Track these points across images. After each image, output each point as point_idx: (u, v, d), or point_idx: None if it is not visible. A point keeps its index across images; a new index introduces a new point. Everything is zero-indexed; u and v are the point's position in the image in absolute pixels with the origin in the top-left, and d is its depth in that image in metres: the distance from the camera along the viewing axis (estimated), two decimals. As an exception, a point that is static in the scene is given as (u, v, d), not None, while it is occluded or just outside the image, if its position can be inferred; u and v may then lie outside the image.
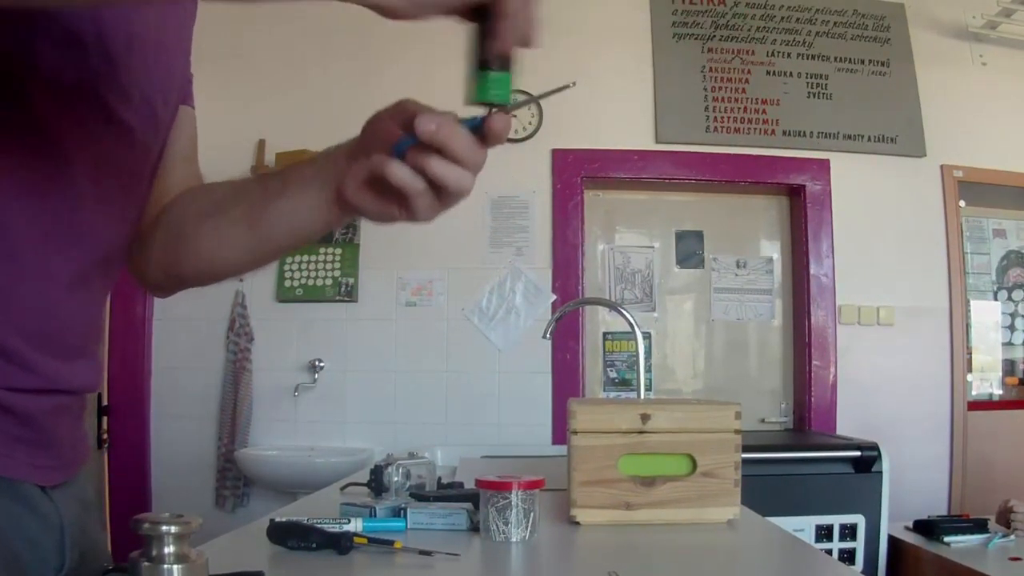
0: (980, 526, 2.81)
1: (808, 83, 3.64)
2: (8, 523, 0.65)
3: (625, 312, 2.21)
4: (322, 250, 3.53)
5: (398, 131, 0.68)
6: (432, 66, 3.40)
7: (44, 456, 0.69)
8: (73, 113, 0.67)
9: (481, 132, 0.67)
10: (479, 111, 0.68)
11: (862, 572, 2.79)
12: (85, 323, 0.74)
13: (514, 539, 1.06)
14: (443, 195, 0.67)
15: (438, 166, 0.65)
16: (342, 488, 1.54)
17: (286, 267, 3.53)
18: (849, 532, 2.86)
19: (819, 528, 2.84)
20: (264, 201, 0.78)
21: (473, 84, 0.66)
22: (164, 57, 0.78)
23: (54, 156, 0.67)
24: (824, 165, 3.61)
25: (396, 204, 0.68)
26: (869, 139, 3.62)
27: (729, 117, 3.58)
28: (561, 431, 3.34)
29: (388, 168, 0.65)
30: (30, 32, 0.62)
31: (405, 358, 3.51)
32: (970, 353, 3.67)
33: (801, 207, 3.62)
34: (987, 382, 3.75)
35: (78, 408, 0.75)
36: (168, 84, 0.81)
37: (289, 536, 1.01)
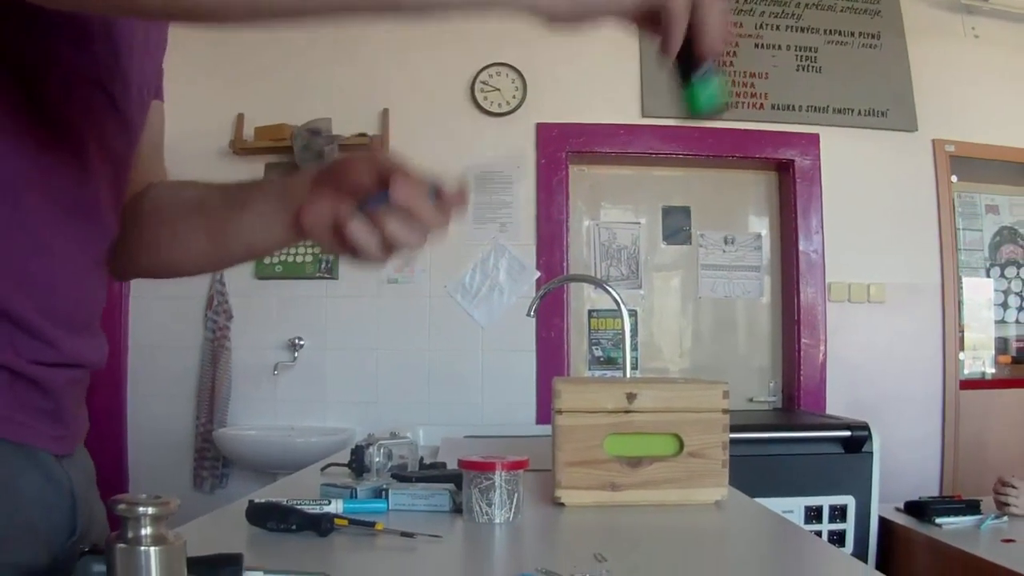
0: (972, 507, 2.77)
1: (797, 56, 3.60)
2: (29, 490, 0.68)
3: (610, 289, 2.19)
4: (302, 226, 3.48)
5: (367, 178, 0.74)
6: (410, 45, 3.38)
7: (59, 427, 0.73)
8: (86, 105, 0.72)
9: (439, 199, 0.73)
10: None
11: (852, 554, 2.61)
12: (96, 302, 0.79)
13: (497, 520, 1.06)
14: (395, 249, 0.73)
15: (396, 228, 0.72)
16: (322, 469, 1.53)
17: (265, 243, 3.48)
18: (839, 513, 2.84)
19: (808, 509, 2.82)
20: (224, 212, 0.83)
21: (683, 99, 0.69)
22: (150, 51, 0.83)
23: (74, 148, 0.71)
24: (813, 139, 3.58)
25: (348, 247, 0.74)
26: (859, 113, 3.59)
27: (717, 91, 3.54)
28: (545, 410, 3.30)
29: (350, 225, 0.72)
30: (48, 30, 0.66)
31: (386, 336, 3.47)
32: (962, 331, 3.64)
33: (790, 182, 3.59)
34: (979, 360, 3.73)
35: (85, 382, 0.79)
36: (152, 76, 0.85)
37: (268, 518, 1.00)
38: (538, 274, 3.44)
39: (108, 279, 0.83)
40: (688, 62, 0.67)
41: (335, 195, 0.75)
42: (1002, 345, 3.76)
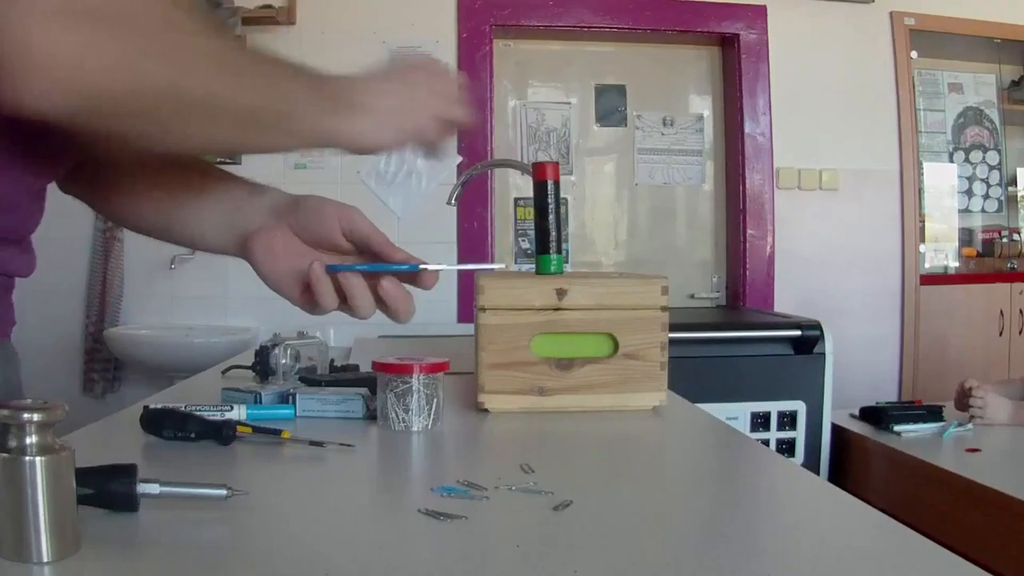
0: (934, 414, 2.69)
1: (742, -83, 3.51)
2: None
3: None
4: (201, 105, 3.28)
5: (340, 235, 0.79)
6: None
7: None
8: None
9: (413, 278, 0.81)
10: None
11: (802, 464, 2.66)
12: (34, 222, 0.82)
13: (415, 428, 1.03)
14: (350, 312, 0.79)
15: (364, 304, 0.78)
16: (224, 371, 1.51)
17: (160, 125, 3.27)
18: (788, 420, 2.77)
19: (755, 416, 2.76)
20: (181, 197, 0.85)
21: (537, 263, 1.18)
22: None
23: None
24: (760, 11, 3.47)
25: (309, 302, 0.79)
26: (811, -18, 3.50)
27: (655, -44, 3.45)
28: (467, 308, 3.24)
29: (320, 287, 0.77)
30: None
31: (295, 226, 3.28)
32: (923, 221, 3.58)
33: (735, 58, 3.48)
34: (942, 253, 3.68)
35: (9, 286, 0.85)
36: None
37: (165, 425, 0.97)
38: (459, 159, 3.29)
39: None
40: (544, 240, 1.16)
41: (294, 238, 0.79)
42: (966, 236, 3.71)
